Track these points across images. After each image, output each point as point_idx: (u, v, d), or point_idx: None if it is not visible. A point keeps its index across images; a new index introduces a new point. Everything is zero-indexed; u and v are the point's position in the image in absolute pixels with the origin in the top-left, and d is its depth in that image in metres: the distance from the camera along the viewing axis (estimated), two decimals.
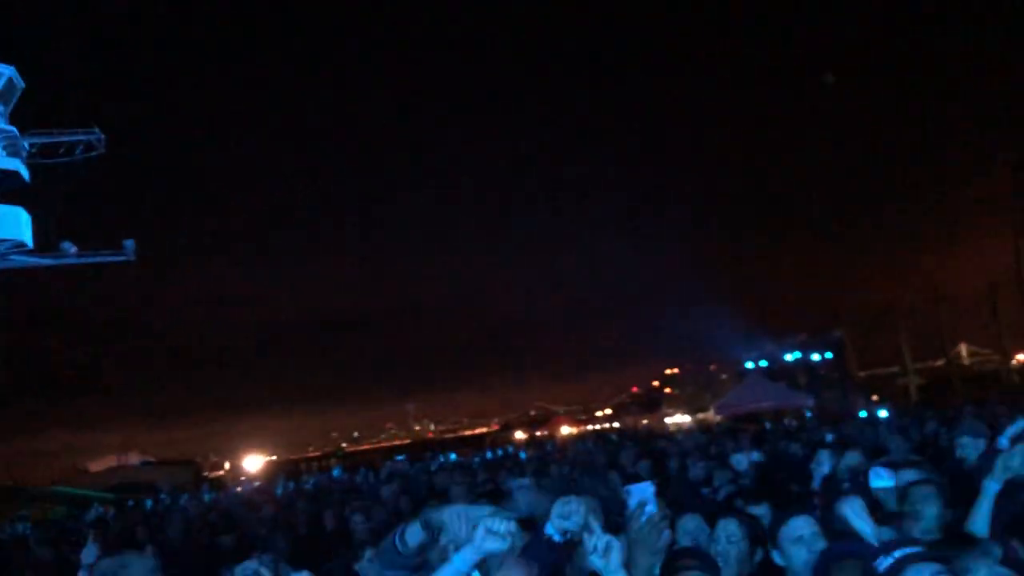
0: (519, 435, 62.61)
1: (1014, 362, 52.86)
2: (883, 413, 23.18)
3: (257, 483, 31.66)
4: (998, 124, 42.46)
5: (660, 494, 2.94)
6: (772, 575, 3.50)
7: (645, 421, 63.40)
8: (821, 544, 3.29)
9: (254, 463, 55.99)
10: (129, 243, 32.52)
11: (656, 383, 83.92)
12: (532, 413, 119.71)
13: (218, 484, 41.19)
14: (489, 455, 29.75)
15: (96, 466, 55.54)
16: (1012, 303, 47.72)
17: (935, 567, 2.21)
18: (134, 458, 58.21)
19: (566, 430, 56.75)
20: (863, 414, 23.34)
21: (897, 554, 2.28)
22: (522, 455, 24.84)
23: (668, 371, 78.84)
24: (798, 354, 48.76)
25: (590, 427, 70.72)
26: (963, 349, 65.16)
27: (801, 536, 3.34)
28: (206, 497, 22.55)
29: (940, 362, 59.82)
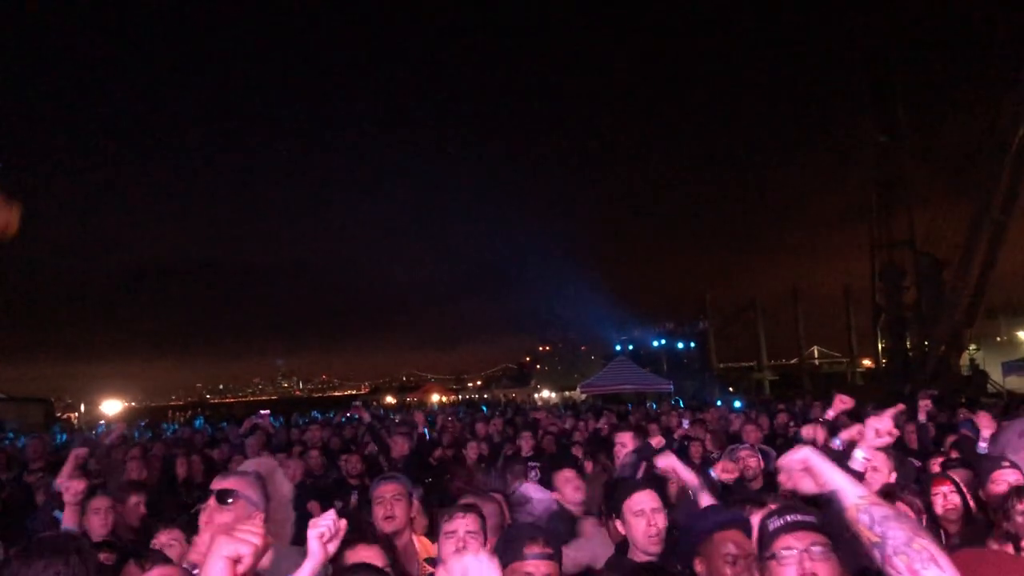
0: (389, 399, 62.46)
1: (860, 366, 56.41)
2: (737, 404, 24.69)
3: (112, 426, 30.61)
4: (864, 139, 44.66)
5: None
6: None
7: (514, 395, 64.32)
8: (661, 518, 3.50)
9: (112, 407, 53.70)
10: None
11: (528, 359, 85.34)
12: (404, 379, 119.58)
13: (71, 426, 39.53)
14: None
15: None
16: (865, 311, 50.98)
17: (815, 538, 2.12)
18: None
19: (436, 398, 56.98)
20: (719, 403, 24.61)
21: (789, 518, 2.18)
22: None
23: (541, 348, 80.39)
24: (664, 341, 50.69)
25: (461, 396, 71.32)
26: (815, 350, 69.05)
27: (642, 510, 3.52)
28: (57, 439, 21.77)
29: (793, 361, 63.44)
